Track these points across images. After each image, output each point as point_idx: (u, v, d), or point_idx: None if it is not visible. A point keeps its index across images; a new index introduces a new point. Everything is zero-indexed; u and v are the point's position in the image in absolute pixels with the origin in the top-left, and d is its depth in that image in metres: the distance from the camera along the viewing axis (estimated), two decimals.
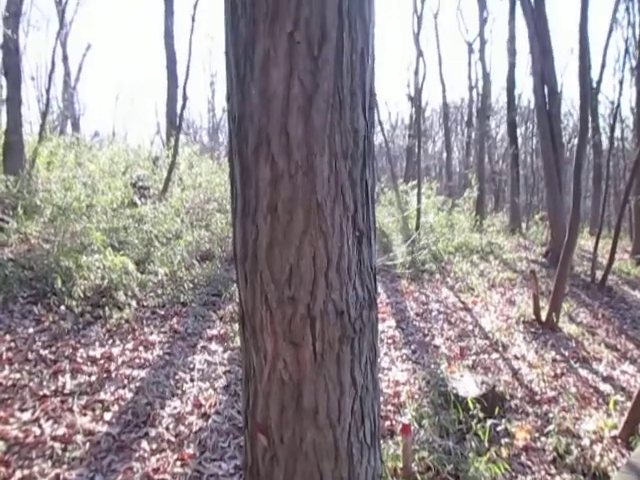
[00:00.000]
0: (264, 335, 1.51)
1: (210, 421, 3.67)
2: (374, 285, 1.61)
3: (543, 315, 6.65)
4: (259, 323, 1.52)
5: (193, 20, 10.35)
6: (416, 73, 16.77)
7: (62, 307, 5.23)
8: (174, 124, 11.73)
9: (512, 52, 16.31)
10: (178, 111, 11.62)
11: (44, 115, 10.91)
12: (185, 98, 10.60)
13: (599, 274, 9.28)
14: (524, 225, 17.14)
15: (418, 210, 11.79)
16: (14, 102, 9.12)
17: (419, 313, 7.03)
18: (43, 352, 4.40)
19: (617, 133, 19.72)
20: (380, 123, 20.41)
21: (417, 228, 11.42)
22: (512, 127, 17.43)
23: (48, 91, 11.21)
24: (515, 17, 15.80)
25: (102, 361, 4.44)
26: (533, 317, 6.74)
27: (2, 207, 7.61)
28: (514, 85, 17.12)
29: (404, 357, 5.42)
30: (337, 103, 1.39)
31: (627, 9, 16.71)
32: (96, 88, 36.00)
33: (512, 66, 16.62)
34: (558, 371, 5.24)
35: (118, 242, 6.84)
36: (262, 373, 1.55)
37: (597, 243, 9.70)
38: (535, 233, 14.77)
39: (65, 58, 22.17)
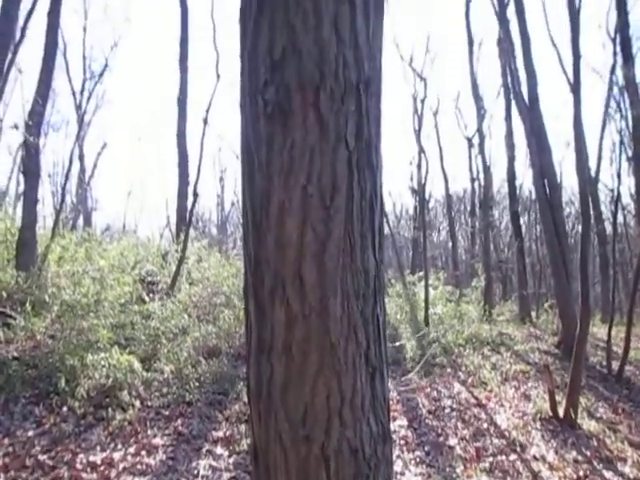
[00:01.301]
0: (278, 474, 1.48)
1: None
2: (388, 418, 1.60)
3: (560, 411, 6.40)
4: (273, 462, 1.49)
5: (205, 123, 10.96)
6: (419, 168, 17.42)
7: (64, 408, 5.13)
8: (184, 220, 12.03)
9: (510, 146, 16.93)
10: (188, 207, 11.96)
11: (58, 213, 11.28)
12: (195, 196, 10.95)
13: (615, 364, 9.02)
14: (534, 314, 16.94)
15: (426, 302, 11.74)
16: (30, 201, 9.49)
17: (431, 410, 6.80)
18: (42, 457, 4.27)
19: (620, 219, 20.01)
20: (385, 215, 20.82)
21: (426, 320, 11.31)
22: (515, 218, 17.73)
23: (64, 189, 11.68)
24: (511, 114, 16.60)
25: (102, 467, 4.28)
26: (550, 413, 6.49)
27: (11, 303, 7.67)
28: (514, 177, 17.62)
29: (417, 460, 5.19)
30: (348, 247, 1.45)
31: (618, 104, 17.53)
32: (109, 183, 37.34)
33: (511, 159, 17.19)
34: (581, 473, 4.96)
35: (125, 338, 6.83)
36: None
37: (610, 332, 9.51)
38: (545, 322, 14.60)
39: (81, 157, 23.23)
